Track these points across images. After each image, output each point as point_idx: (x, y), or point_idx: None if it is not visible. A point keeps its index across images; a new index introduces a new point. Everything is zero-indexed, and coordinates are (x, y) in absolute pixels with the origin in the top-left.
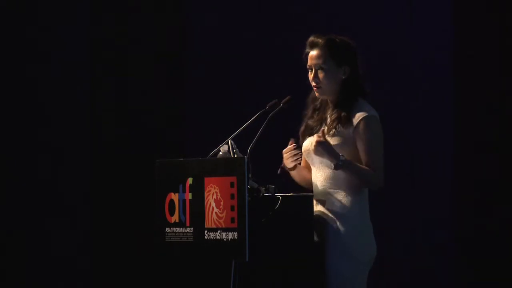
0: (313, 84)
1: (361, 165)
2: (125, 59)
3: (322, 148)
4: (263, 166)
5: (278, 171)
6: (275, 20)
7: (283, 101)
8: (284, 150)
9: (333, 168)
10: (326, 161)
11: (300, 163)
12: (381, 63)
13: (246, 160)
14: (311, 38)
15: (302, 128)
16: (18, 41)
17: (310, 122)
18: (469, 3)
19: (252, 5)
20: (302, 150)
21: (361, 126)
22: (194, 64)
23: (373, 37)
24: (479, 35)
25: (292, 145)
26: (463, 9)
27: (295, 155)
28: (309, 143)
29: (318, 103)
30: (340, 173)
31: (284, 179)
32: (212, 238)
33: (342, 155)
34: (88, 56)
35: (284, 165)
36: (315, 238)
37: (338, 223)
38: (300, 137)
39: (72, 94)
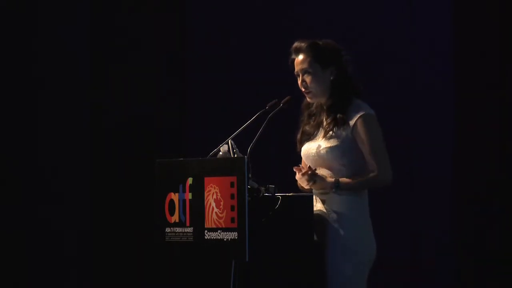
0: (303, 89)
1: (359, 179)
2: (125, 59)
3: (316, 182)
4: (263, 166)
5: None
6: (275, 20)
7: (283, 101)
8: (296, 177)
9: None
10: (326, 163)
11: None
12: (381, 63)
13: (246, 160)
14: (295, 44)
15: (299, 135)
16: (18, 41)
17: (307, 128)
18: (469, 3)
19: (252, 5)
20: (301, 155)
21: (358, 126)
22: (194, 64)
23: (373, 37)
24: (479, 35)
25: (298, 171)
26: (463, 9)
27: (308, 177)
28: (308, 147)
29: (313, 108)
30: (339, 174)
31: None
32: (212, 238)
33: (336, 180)
34: (88, 56)
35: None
36: (315, 238)
37: (338, 223)
38: (298, 143)
39: (72, 94)
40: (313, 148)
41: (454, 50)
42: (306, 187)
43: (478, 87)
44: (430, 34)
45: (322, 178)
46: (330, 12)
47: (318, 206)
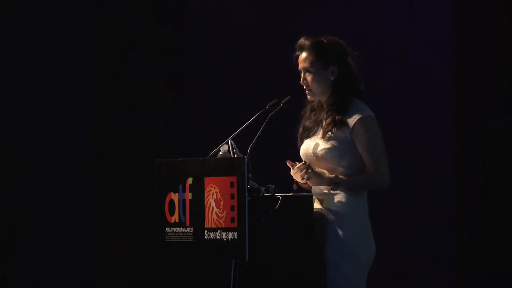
0: (304, 87)
1: (356, 176)
2: (125, 59)
3: (313, 179)
4: (263, 166)
5: (294, 187)
6: (275, 20)
7: (283, 101)
8: (291, 172)
9: (331, 190)
10: (325, 164)
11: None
12: (381, 63)
13: (246, 160)
14: (300, 41)
15: (300, 130)
16: (17, 41)
17: (307, 123)
18: (469, 3)
19: (252, 5)
20: (300, 154)
21: (357, 128)
22: (194, 64)
23: (372, 37)
24: (479, 34)
25: (292, 166)
26: (463, 9)
27: (302, 170)
28: (306, 147)
29: (315, 103)
30: (338, 174)
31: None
32: (212, 238)
33: (335, 177)
34: (88, 56)
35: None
36: (315, 238)
37: (337, 223)
38: (299, 139)
39: (72, 94)
40: (311, 148)
41: (454, 50)
42: (302, 182)
43: (478, 87)
44: (430, 34)
45: (319, 175)
46: (330, 12)
47: (317, 206)
